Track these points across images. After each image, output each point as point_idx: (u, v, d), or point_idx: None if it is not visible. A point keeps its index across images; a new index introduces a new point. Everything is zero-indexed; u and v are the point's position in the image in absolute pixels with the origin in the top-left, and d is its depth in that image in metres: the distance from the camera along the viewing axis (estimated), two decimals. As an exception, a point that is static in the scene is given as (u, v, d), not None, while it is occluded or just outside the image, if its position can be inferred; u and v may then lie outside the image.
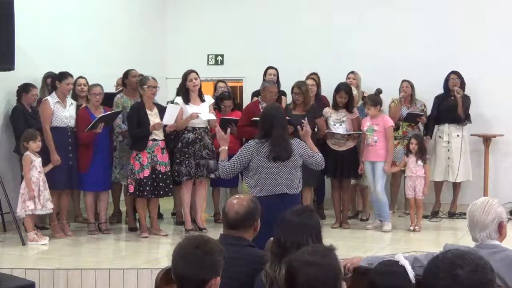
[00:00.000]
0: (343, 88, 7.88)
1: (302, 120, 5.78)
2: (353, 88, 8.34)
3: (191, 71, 7.55)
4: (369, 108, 7.69)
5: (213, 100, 7.87)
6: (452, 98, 8.47)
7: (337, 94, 7.85)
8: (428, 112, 8.79)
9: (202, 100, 7.57)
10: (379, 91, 8.26)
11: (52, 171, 7.12)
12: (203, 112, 7.42)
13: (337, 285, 2.51)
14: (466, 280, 2.05)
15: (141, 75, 7.95)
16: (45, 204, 6.94)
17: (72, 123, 7.38)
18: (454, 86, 8.50)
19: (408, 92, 8.64)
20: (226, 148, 5.50)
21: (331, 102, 8.19)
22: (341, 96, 7.83)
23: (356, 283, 3.22)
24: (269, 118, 5.40)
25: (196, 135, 7.45)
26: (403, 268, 3.07)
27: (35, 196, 6.84)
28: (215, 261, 2.55)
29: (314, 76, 8.57)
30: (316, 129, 7.74)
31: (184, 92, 7.51)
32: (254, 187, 5.32)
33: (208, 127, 7.57)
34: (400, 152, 8.19)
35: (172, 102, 7.79)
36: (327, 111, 7.95)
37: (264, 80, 8.35)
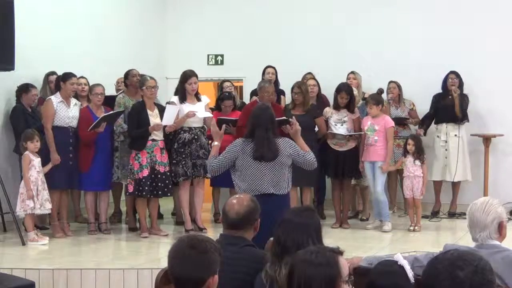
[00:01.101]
0: (344, 89, 7.87)
1: (290, 119, 5.75)
2: (354, 89, 8.33)
3: (192, 74, 7.50)
4: (371, 107, 7.67)
5: (209, 100, 7.86)
6: (450, 97, 8.47)
7: (338, 94, 7.84)
8: (421, 110, 8.79)
9: (198, 100, 7.57)
10: (380, 91, 8.27)
11: (52, 170, 7.12)
12: (199, 110, 7.41)
13: (334, 286, 2.50)
14: (466, 282, 2.05)
15: (142, 75, 7.95)
16: (44, 204, 6.93)
17: (74, 123, 7.38)
18: (452, 85, 8.51)
19: (395, 93, 8.68)
20: (219, 144, 5.50)
21: (331, 102, 8.21)
22: (342, 97, 7.82)
23: (356, 283, 3.21)
24: (253, 118, 5.38)
25: (192, 135, 7.44)
26: (402, 268, 3.08)
27: (33, 196, 6.84)
28: (211, 260, 2.54)
29: (313, 76, 8.57)
30: (316, 129, 7.76)
31: (181, 92, 7.50)
32: (240, 186, 5.30)
33: (205, 127, 7.57)
34: (394, 152, 8.18)
35: (169, 102, 7.78)
36: (328, 111, 7.94)
37: (262, 79, 8.36)
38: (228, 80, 8.94)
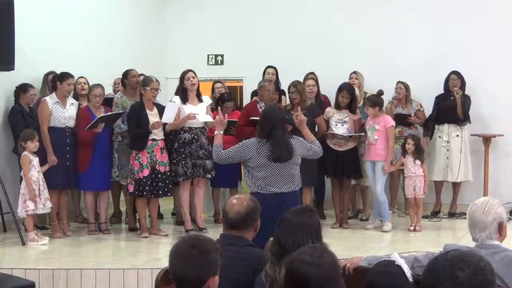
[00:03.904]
0: (346, 89, 7.87)
1: (295, 113, 5.77)
2: (355, 88, 8.33)
3: (188, 70, 7.54)
4: (367, 109, 7.71)
5: (211, 101, 7.86)
6: (452, 98, 8.48)
7: (340, 94, 7.85)
8: (428, 112, 8.79)
9: (200, 100, 7.57)
10: (380, 93, 8.27)
11: (49, 171, 7.12)
12: (200, 112, 7.41)
13: (338, 284, 2.51)
14: (466, 282, 2.04)
15: (142, 75, 7.95)
16: (45, 203, 6.94)
17: (71, 123, 7.37)
18: (454, 86, 8.51)
19: (402, 93, 8.67)
20: (222, 132, 5.55)
21: (331, 102, 8.21)
22: (343, 96, 7.82)
23: (356, 283, 3.22)
24: (270, 119, 5.38)
25: (193, 135, 7.44)
26: (400, 268, 3.08)
27: (36, 195, 6.84)
28: (212, 260, 2.54)
29: (314, 76, 8.57)
30: (316, 128, 7.76)
31: (181, 92, 7.50)
32: (254, 185, 5.33)
33: (206, 127, 7.57)
34: (397, 152, 8.19)
35: (170, 101, 7.78)
36: (329, 110, 7.95)
37: (262, 79, 8.37)
38: (219, 81, 8.94)
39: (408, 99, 8.73)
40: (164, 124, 7.32)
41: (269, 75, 8.56)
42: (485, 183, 8.59)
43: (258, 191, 5.19)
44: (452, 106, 8.46)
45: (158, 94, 7.54)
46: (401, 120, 8.52)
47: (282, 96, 8.57)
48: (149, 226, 7.50)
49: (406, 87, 8.69)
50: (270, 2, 10.26)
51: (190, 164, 7.40)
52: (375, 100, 7.76)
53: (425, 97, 8.80)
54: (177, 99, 7.50)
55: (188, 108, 7.41)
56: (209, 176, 7.60)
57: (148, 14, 10.53)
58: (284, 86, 8.50)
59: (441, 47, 9.11)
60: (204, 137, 7.51)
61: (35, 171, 6.90)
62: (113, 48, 9.41)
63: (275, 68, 8.68)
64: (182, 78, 7.50)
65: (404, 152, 7.77)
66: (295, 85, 7.73)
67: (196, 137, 7.45)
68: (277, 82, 8.46)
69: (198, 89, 7.58)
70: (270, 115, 5.44)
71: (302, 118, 5.68)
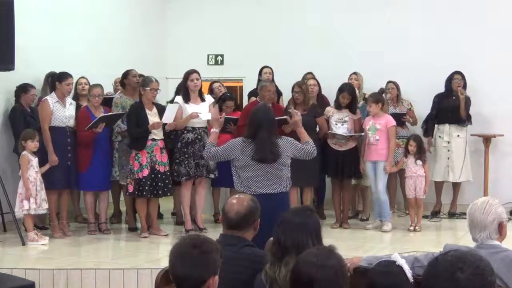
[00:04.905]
0: (347, 89, 7.87)
1: (289, 110, 5.74)
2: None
3: (194, 71, 7.54)
4: (370, 105, 7.68)
5: (212, 100, 7.87)
6: (454, 98, 8.47)
7: (341, 94, 7.85)
8: (418, 111, 8.77)
9: (202, 100, 7.57)
10: (382, 91, 8.27)
11: (50, 171, 7.12)
12: (203, 111, 7.42)
13: (346, 285, 2.52)
14: (466, 283, 2.04)
15: (141, 75, 7.94)
16: (41, 204, 6.93)
17: (71, 122, 7.38)
18: (458, 86, 8.50)
19: (394, 93, 8.67)
20: (217, 131, 5.55)
21: (331, 102, 8.21)
22: (343, 97, 7.82)
23: (356, 283, 3.21)
24: (256, 119, 5.34)
25: (196, 135, 7.45)
26: (400, 268, 3.08)
27: (32, 196, 6.83)
28: (212, 260, 2.55)
29: (313, 75, 8.58)
30: (317, 129, 7.77)
31: (184, 91, 7.51)
32: (240, 185, 5.30)
33: (208, 126, 7.57)
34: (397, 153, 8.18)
35: (171, 101, 7.79)
36: (330, 110, 7.95)
37: (260, 79, 8.36)
38: (217, 81, 8.94)
39: (399, 99, 8.74)
40: (164, 124, 7.32)
41: (266, 74, 8.57)
42: (485, 183, 8.60)
43: (244, 191, 5.12)
44: (453, 106, 8.45)
45: (158, 94, 7.55)
46: (397, 120, 8.53)
47: (280, 96, 8.58)
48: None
49: (397, 87, 8.71)
50: (270, 2, 10.26)
51: (193, 164, 7.41)
52: (378, 97, 7.79)
53: (425, 97, 8.78)
54: (179, 99, 7.50)
55: (191, 108, 7.42)
56: (212, 176, 7.61)
57: (148, 14, 10.53)
58: (284, 86, 8.50)
59: (441, 47, 9.11)
60: (207, 137, 7.51)
61: (33, 171, 6.89)
62: (113, 48, 9.41)
63: (271, 68, 8.70)
64: (186, 77, 7.51)
65: (406, 153, 7.77)
66: (300, 85, 7.74)
67: (199, 137, 7.45)
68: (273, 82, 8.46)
69: (200, 89, 7.60)
70: (257, 115, 5.39)
71: (296, 118, 5.63)
